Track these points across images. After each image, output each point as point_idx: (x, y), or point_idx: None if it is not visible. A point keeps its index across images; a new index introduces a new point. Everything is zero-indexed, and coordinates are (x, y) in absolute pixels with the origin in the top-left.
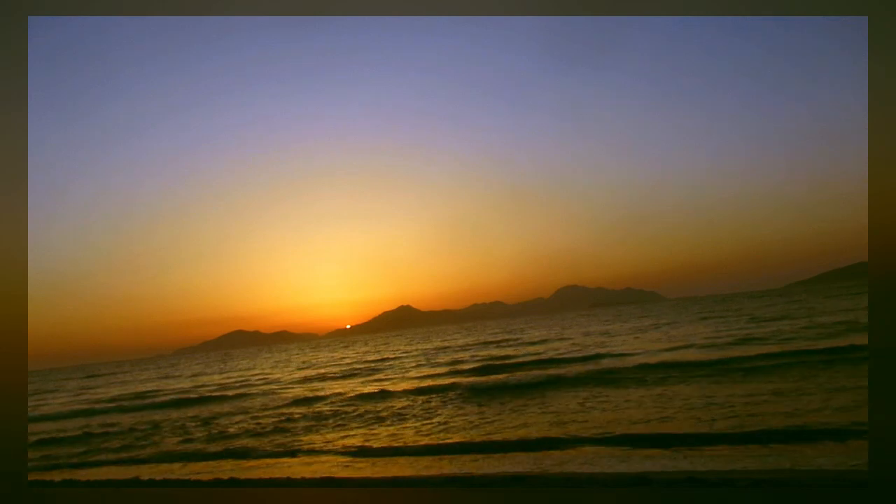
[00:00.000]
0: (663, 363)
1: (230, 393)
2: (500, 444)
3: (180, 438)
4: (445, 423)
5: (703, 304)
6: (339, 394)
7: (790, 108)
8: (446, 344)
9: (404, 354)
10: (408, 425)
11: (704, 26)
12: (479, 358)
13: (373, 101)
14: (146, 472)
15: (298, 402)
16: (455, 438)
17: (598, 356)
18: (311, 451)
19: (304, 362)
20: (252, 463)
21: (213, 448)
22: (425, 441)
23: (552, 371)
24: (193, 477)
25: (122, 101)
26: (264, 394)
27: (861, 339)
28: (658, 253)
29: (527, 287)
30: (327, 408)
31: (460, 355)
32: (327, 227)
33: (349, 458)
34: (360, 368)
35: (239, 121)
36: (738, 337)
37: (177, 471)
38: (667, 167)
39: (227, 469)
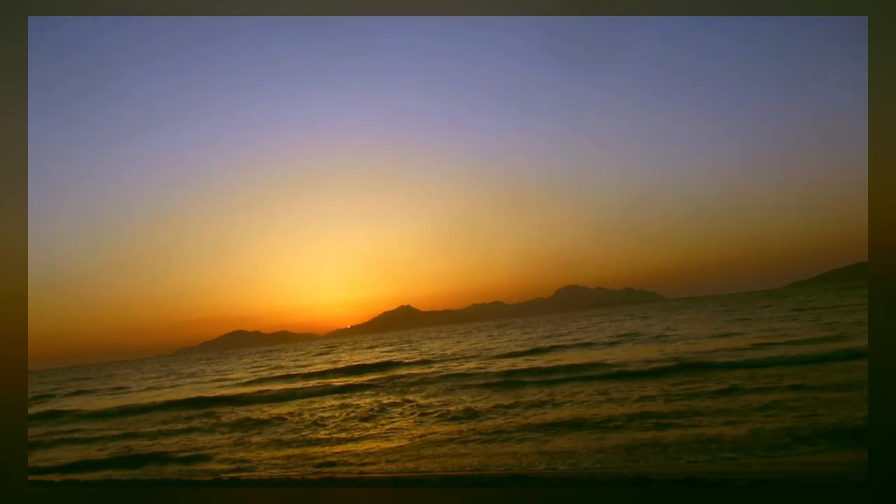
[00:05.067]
0: None
1: None
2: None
3: None
4: None
5: (716, 302)
6: None
7: (790, 108)
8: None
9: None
10: None
11: (704, 26)
12: None
13: (373, 102)
14: (146, 473)
15: None
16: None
17: None
18: None
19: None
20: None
21: None
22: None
23: None
24: (193, 477)
25: (122, 102)
26: None
27: None
28: (658, 253)
29: (527, 287)
30: None
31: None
32: (327, 227)
33: (348, 458)
34: None
35: (239, 121)
36: None
37: (177, 471)
38: (667, 167)
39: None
